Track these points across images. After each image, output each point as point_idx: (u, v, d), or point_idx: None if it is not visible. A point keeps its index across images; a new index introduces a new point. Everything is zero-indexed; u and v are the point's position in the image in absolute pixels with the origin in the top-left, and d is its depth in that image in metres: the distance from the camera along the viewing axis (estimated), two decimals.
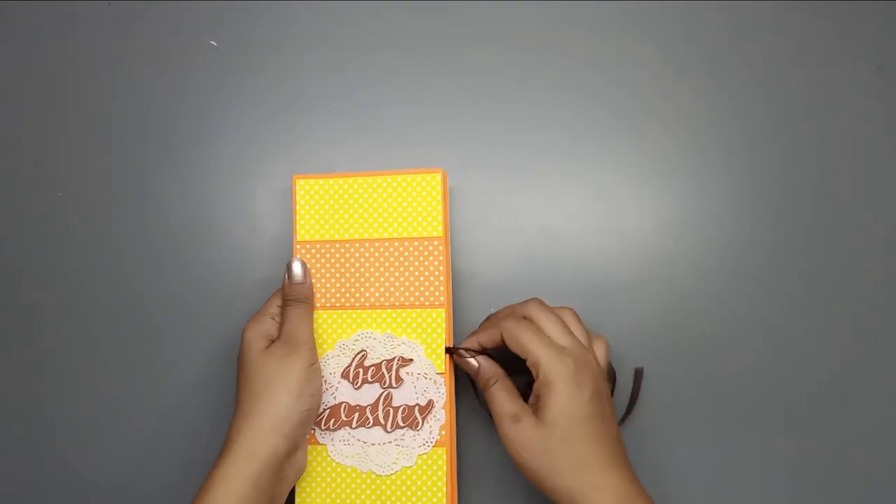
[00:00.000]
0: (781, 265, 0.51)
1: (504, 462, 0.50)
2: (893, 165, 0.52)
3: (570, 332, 0.44)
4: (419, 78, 0.55)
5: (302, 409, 0.44)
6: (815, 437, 0.50)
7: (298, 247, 0.49)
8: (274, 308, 0.47)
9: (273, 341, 0.46)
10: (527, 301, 0.46)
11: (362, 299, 0.48)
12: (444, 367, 0.47)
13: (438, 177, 0.48)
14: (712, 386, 0.50)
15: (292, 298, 0.47)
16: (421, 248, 0.48)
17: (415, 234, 0.48)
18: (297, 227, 0.50)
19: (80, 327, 0.54)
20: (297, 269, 0.48)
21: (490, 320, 0.47)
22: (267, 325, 0.46)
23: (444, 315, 0.47)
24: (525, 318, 0.44)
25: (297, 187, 0.50)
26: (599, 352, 0.45)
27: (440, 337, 0.47)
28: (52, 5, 0.58)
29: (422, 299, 0.48)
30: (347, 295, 0.49)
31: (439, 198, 0.48)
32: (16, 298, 0.55)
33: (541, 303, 0.45)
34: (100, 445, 0.53)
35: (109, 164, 0.56)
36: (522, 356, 0.43)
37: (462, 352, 0.46)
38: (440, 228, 0.48)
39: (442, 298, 0.47)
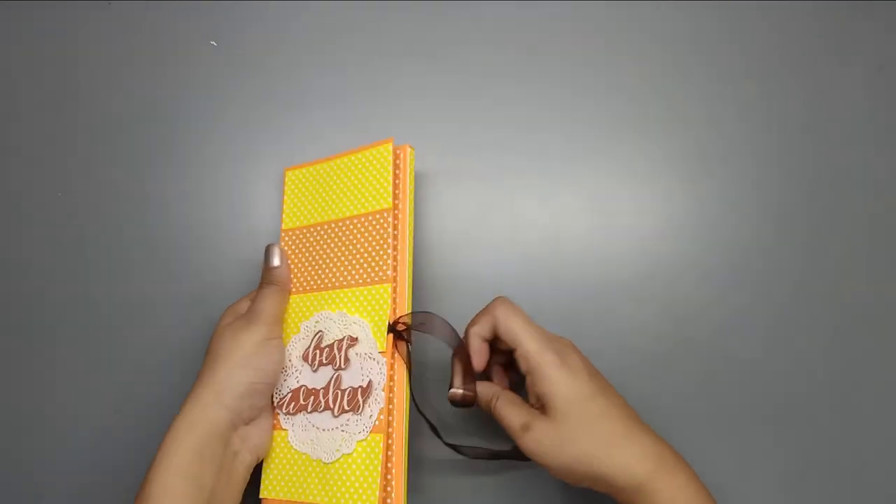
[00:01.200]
0: (781, 265, 0.51)
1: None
2: (894, 165, 0.52)
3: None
4: (419, 78, 0.55)
5: (246, 381, 0.43)
6: (816, 438, 0.49)
7: (283, 235, 0.51)
8: (255, 294, 0.48)
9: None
10: (495, 300, 0.45)
11: (325, 280, 0.48)
12: (385, 345, 0.44)
13: (389, 146, 0.47)
14: (712, 386, 0.50)
15: (266, 281, 0.48)
16: (373, 223, 0.47)
17: (368, 210, 0.47)
18: (284, 215, 0.51)
19: (80, 326, 0.54)
20: (274, 254, 0.48)
21: (479, 316, 0.45)
22: (240, 306, 0.48)
23: (389, 290, 0.45)
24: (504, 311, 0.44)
25: (287, 178, 0.51)
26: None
27: (385, 314, 0.45)
28: (53, 6, 0.58)
29: (372, 275, 0.46)
30: (314, 277, 0.48)
31: (389, 168, 0.47)
32: (16, 298, 0.55)
33: (501, 297, 0.45)
34: (98, 445, 0.53)
35: (109, 163, 0.56)
36: (511, 345, 0.43)
37: (455, 392, 0.44)
38: (389, 200, 0.46)
39: (389, 272, 0.45)
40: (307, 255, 0.49)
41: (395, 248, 0.46)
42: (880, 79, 0.53)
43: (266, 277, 0.48)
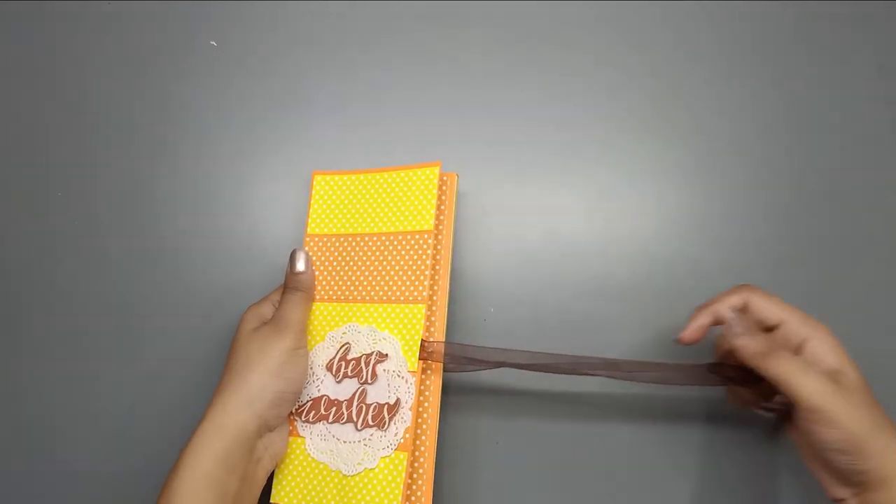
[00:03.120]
0: (782, 264, 0.51)
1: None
2: (894, 165, 0.52)
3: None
4: (420, 79, 0.55)
5: (276, 390, 0.43)
6: None
7: (307, 239, 0.50)
8: (277, 295, 0.48)
9: (265, 323, 0.46)
10: (741, 288, 0.43)
11: (355, 293, 0.48)
12: (416, 365, 0.45)
13: (436, 170, 0.48)
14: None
15: (291, 286, 0.48)
16: (412, 243, 0.47)
17: (408, 229, 0.48)
18: (309, 220, 0.50)
19: (81, 326, 0.54)
20: (299, 259, 0.48)
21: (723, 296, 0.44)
22: (264, 309, 0.47)
23: (423, 311, 0.46)
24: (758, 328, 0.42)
25: (315, 182, 0.51)
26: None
27: (417, 334, 0.45)
28: (53, 5, 0.58)
29: (406, 294, 0.47)
30: (343, 288, 0.48)
31: (434, 191, 0.47)
32: (16, 298, 0.55)
33: (755, 291, 0.43)
34: (98, 445, 0.53)
35: (109, 163, 0.56)
36: (772, 320, 0.42)
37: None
38: (431, 222, 0.47)
39: (424, 293, 0.46)
40: (335, 263, 0.49)
41: (433, 270, 0.46)
42: (880, 79, 0.53)
43: (291, 282, 0.48)
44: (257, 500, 0.44)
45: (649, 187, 0.52)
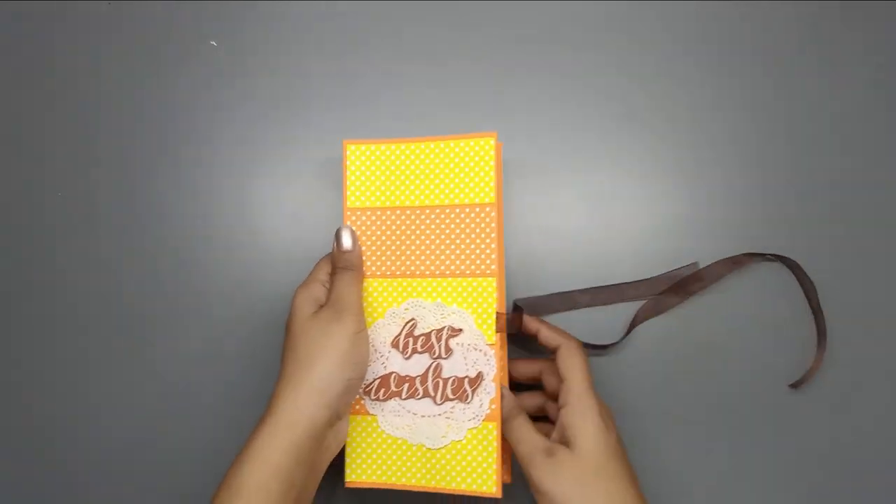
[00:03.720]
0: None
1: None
2: (894, 165, 0.52)
3: None
4: (421, 79, 0.54)
5: (345, 378, 0.42)
6: (817, 439, 0.50)
7: (348, 213, 0.49)
8: (323, 275, 0.46)
9: (322, 307, 0.45)
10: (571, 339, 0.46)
11: (413, 267, 0.47)
12: (494, 338, 0.45)
13: (492, 141, 0.47)
14: (713, 387, 0.50)
15: (341, 266, 0.46)
16: (472, 216, 0.47)
17: (466, 201, 0.47)
18: (347, 193, 0.49)
19: (81, 327, 0.54)
20: (346, 236, 0.47)
21: (551, 325, 0.47)
22: (316, 291, 0.45)
23: (494, 284, 0.46)
24: (578, 343, 0.45)
25: (348, 153, 0.49)
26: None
27: (491, 307, 0.45)
28: (53, 5, 0.58)
29: (472, 268, 0.46)
30: (398, 262, 0.47)
31: (492, 162, 0.46)
32: (16, 298, 0.55)
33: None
34: (97, 445, 0.53)
35: (109, 163, 0.56)
36: (562, 376, 0.44)
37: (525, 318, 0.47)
38: (492, 195, 0.46)
39: (493, 267, 0.46)
40: (383, 238, 0.48)
41: (498, 244, 0.46)
42: (880, 79, 0.53)
43: (341, 261, 0.46)
44: (318, 484, 0.43)
45: (651, 187, 0.52)
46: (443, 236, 0.47)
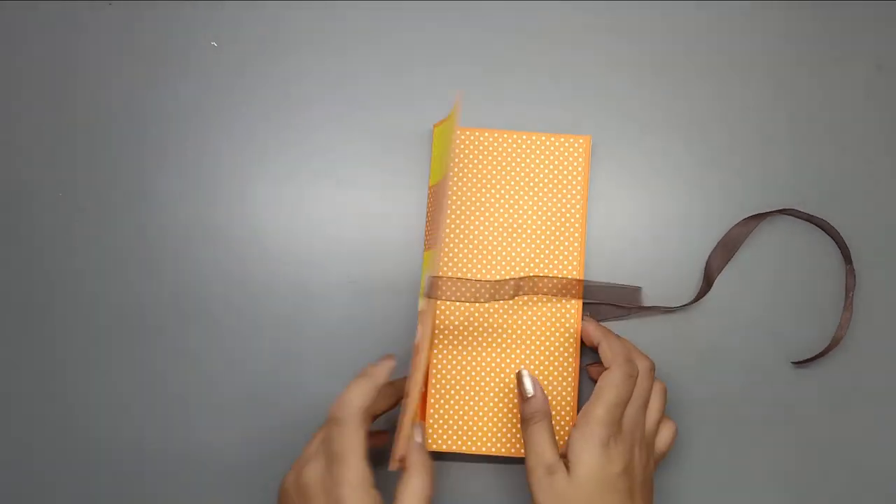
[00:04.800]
0: (781, 265, 0.51)
1: None
2: (893, 166, 0.52)
3: (643, 407, 0.44)
4: (422, 79, 0.54)
5: None
6: (818, 440, 0.50)
7: (430, 191, 0.50)
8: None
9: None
10: (645, 358, 0.45)
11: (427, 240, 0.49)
12: (421, 304, 0.45)
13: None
14: (713, 387, 0.50)
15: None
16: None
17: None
18: (431, 171, 0.50)
19: (82, 327, 0.54)
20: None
21: (618, 340, 0.46)
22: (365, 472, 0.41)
23: (431, 257, 0.46)
24: (630, 372, 0.43)
25: (435, 134, 0.51)
26: (664, 436, 0.45)
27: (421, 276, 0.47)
28: (53, 5, 0.58)
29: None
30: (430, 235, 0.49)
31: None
32: (16, 298, 0.55)
33: (651, 370, 0.45)
34: (96, 445, 0.53)
35: (109, 164, 0.55)
36: (595, 392, 0.43)
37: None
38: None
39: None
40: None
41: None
42: (879, 79, 0.53)
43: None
44: None
45: (651, 187, 0.52)
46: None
